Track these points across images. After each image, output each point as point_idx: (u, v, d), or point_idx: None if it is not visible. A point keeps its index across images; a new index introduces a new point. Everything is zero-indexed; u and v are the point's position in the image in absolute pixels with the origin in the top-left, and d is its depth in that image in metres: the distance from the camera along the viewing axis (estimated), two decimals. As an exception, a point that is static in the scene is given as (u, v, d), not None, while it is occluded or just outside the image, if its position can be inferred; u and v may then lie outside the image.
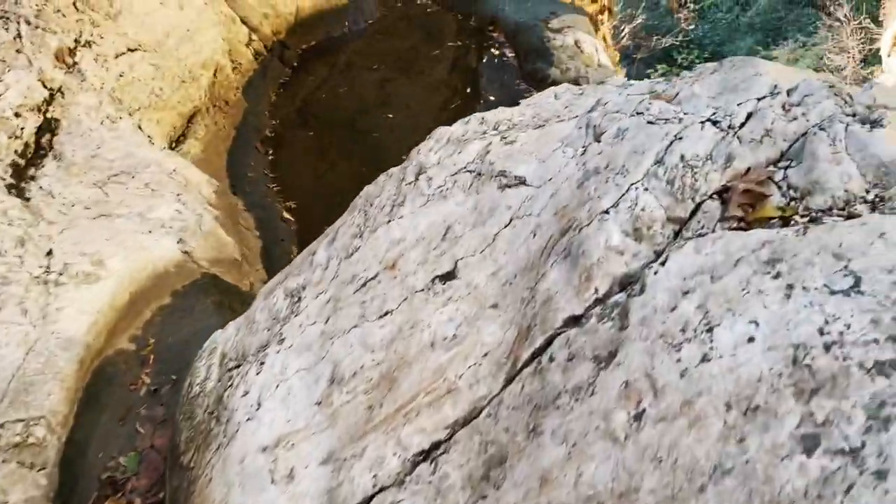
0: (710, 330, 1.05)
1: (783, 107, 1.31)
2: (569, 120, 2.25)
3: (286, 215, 5.54)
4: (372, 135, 6.42)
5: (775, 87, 1.39)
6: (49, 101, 4.01)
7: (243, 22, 6.49)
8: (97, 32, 4.63)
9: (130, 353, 3.00)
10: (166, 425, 2.74)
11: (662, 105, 1.56)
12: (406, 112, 6.63)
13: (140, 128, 4.57)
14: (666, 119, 1.50)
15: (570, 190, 1.59)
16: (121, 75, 4.60)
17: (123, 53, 4.76)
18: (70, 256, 3.06)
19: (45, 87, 4.02)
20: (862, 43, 22.87)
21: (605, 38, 15.17)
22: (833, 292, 0.95)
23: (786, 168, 1.21)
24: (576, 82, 6.22)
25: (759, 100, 1.38)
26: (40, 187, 3.52)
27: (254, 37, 6.57)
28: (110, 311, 3.01)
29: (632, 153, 1.47)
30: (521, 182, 1.82)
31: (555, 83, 6.49)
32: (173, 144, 5.05)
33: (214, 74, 5.67)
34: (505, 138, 2.11)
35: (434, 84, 7.01)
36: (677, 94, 1.59)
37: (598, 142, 1.65)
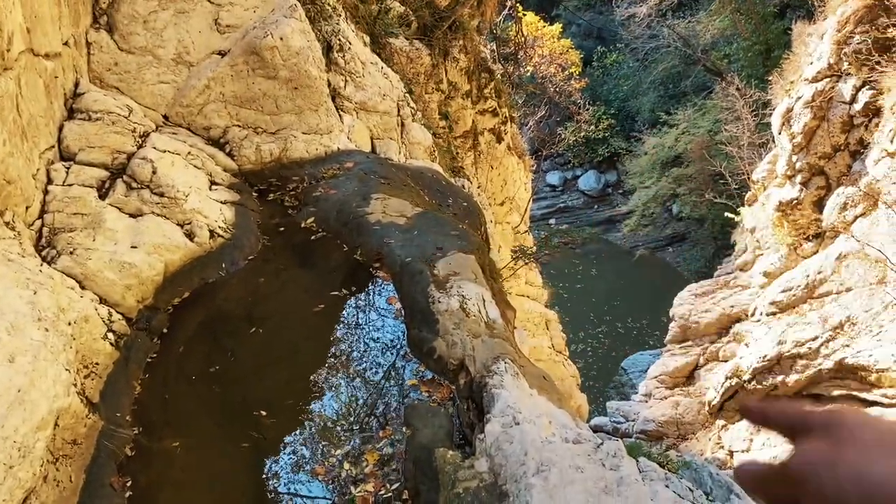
0: None
1: None
2: None
3: None
4: (249, 431, 5.42)
5: None
6: None
7: (102, 301, 5.27)
8: None
9: None
10: None
11: None
12: (283, 397, 5.63)
13: None
14: None
15: None
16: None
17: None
18: None
19: None
20: (754, 112, 23.93)
21: (512, 141, 14.69)
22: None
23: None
24: (461, 363, 5.07)
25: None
26: None
27: (115, 316, 5.31)
28: None
29: None
30: None
31: (441, 360, 5.45)
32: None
33: (56, 424, 4.50)
34: None
35: (312, 357, 5.99)
36: None
37: None
